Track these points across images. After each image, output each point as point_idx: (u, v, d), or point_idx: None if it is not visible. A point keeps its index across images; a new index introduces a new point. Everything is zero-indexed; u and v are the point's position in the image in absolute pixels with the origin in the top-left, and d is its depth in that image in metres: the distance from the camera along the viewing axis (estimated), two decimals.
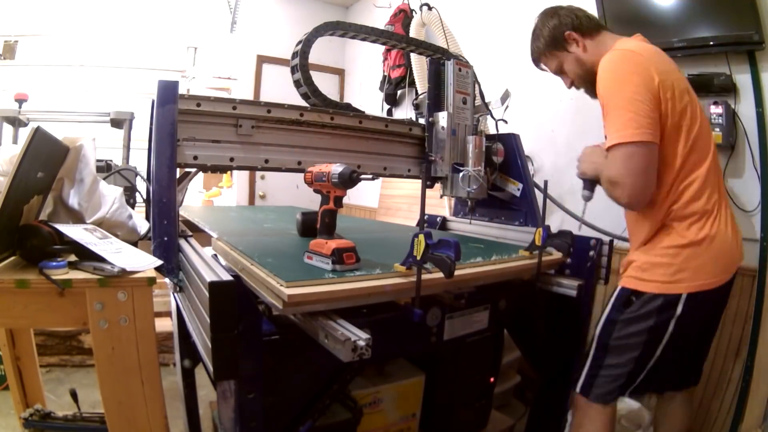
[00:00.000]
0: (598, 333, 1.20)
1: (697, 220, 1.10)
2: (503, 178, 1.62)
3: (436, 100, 1.53)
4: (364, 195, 4.06)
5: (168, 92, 1.09)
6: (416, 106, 1.84)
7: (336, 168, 0.90)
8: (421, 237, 0.86)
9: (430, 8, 2.83)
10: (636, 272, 1.16)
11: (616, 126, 1.07)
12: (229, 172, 3.66)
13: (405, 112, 3.45)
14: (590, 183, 1.24)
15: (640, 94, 1.05)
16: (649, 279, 1.12)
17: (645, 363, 1.14)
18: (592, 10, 2.05)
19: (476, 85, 1.59)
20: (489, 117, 1.77)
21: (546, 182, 1.32)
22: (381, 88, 3.51)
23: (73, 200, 1.08)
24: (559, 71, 1.34)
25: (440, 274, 0.87)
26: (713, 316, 1.22)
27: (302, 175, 1.04)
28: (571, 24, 1.26)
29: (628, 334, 1.13)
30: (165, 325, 1.95)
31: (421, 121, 1.57)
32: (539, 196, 1.44)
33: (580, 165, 1.31)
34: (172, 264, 1.01)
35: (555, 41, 1.28)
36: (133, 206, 1.88)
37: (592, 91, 1.26)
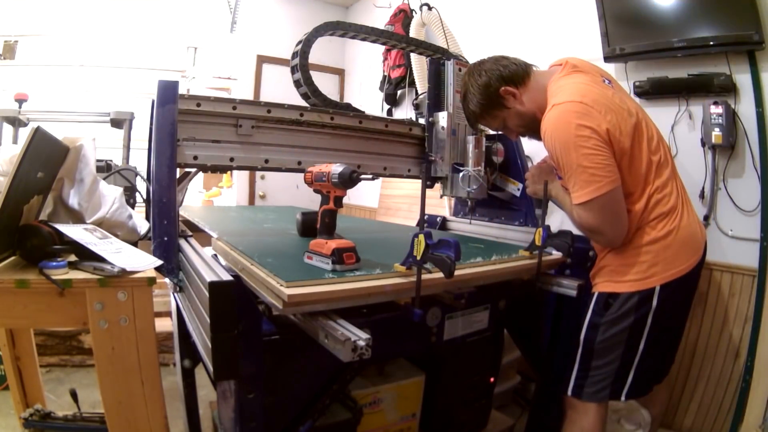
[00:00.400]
0: (583, 338, 1.21)
1: (663, 217, 1.14)
2: (503, 178, 1.62)
3: (436, 100, 1.53)
4: (364, 195, 4.06)
5: (168, 92, 1.09)
6: (416, 106, 1.84)
7: (336, 168, 0.90)
8: (421, 237, 0.86)
9: (430, 8, 2.83)
10: (610, 276, 1.19)
11: (580, 185, 1.09)
12: (229, 172, 3.66)
13: (405, 112, 3.45)
14: (541, 202, 1.26)
15: (591, 147, 1.06)
16: (624, 280, 1.16)
17: (631, 359, 1.16)
18: (592, 10, 2.06)
19: None
20: None
21: (546, 182, 1.32)
22: (381, 88, 3.51)
23: (73, 200, 1.08)
24: (502, 128, 1.31)
25: (440, 274, 0.87)
26: (686, 301, 1.26)
27: (302, 175, 1.04)
28: (502, 77, 1.23)
29: (612, 335, 1.16)
30: (165, 325, 1.95)
31: (421, 121, 1.57)
32: None
33: (529, 185, 1.37)
34: (172, 264, 1.01)
35: (491, 101, 1.24)
36: (133, 206, 1.88)
37: (537, 137, 1.23)
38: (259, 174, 4.16)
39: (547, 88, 1.20)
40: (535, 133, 1.25)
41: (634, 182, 1.13)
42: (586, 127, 1.07)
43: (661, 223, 1.14)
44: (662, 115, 1.90)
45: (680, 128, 1.86)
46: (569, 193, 1.15)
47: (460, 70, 1.52)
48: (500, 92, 1.22)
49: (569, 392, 1.22)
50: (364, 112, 1.43)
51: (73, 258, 0.93)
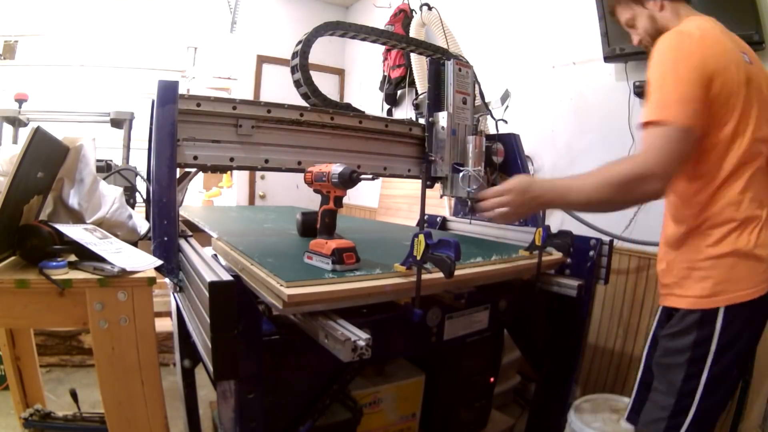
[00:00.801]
0: (645, 354, 1.17)
1: (736, 228, 1.00)
2: (503, 178, 1.61)
3: (436, 100, 1.53)
4: (364, 195, 4.06)
5: (168, 92, 1.09)
6: (416, 106, 1.84)
7: (336, 168, 0.90)
8: (421, 237, 0.86)
9: (430, 8, 2.83)
10: (672, 289, 1.08)
11: (659, 101, 0.96)
12: (229, 172, 3.66)
13: (405, 112, 3.45)
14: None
15: (689, 76, 0.95)
16: (685, 294, 1.04)
17: (692, 389, 1.01)
18: (592, 10, 2.07)
19: (476, 85, 1.59)
20: (489, 117, 1.77)
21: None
22: (381, 88, 3.51)
23: (73, 200, 1.08)
24: (630, 25, 1.24)
25: (440, 274, 0.87)
26: (757, 332, 1.07)
27: (302, 175, 1.04)
28: None
29: (670, 352, 1.04)
30: (165, 325, 1.95)
31: (421, 121, 1.57)
32: None
33: (511, 213, 1.10)
34: (172, 264, 1.01)
35: None
36: (133, 206, 1.88)
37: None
38: (259, 174, 4.16)
39: (680, 23, 1.12)
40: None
41: (713, 152, 1.00)
42: (690, 58, 0.97)
43: (735, 233, 1.00)
44: None
45: None
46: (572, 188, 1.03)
47: (460, 70, 1.52)
48: None
49: (625, 417, 1.17)
50: (364, 112, 1.43)
51: (73, 258, 0.93)
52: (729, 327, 0.99)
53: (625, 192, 0.97)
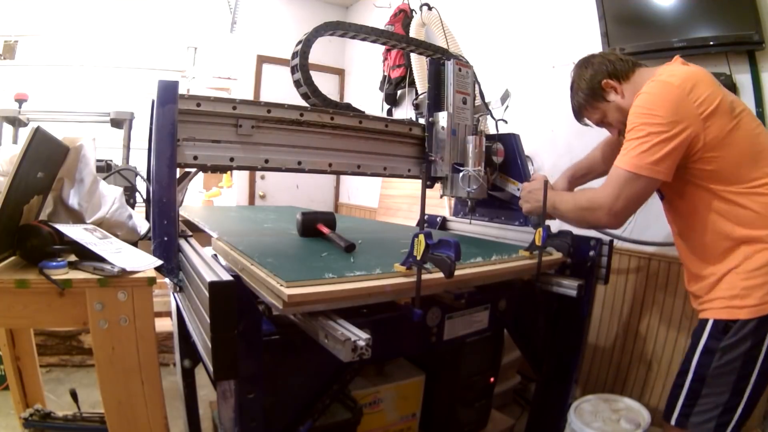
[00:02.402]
0: (696, 364, 1.14)
1: None
2: (503, 178, 1.62)
3: (436, 100, 1.53)
4: (364, 195, 4.06)
5: (168, 92, 1.09)
6: (416, 106, 1.84)
7: None
8: (421, 237, 0.86)
9: (430, 8, 2.83)
10: (733, 301, 1.10)
11: (630, 150, 1.09)
12: (229, 172, 3.66)
13: (405, 112, 3.45)
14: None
15: (664, 126, 1.05)
16: (744, 305, 1.08)
17: (742, 389, 1.08)
18: (592, 10, 2.07)
19: (476, 85, 1.59)
20: (489, 117, 1.77)
21: (546, 182, 1.32)
22: (381, 88, 3.51)
23: (73, 200, 1.08)
24: (603, 122, 1.33)
25: (440, 274, 0.87)
26: None
27: (302, 175, 1.03)
28: (606, 71, 1.25)
29: (727, 361, 1.09)
30: (165, 325, 1.95)
31: (421, 121, 1.56)
32: None
33: (524, 204, 1.42)
34: (172, 264, 1.01)
35: (593, 92, 1.28)
36: (133, 206, 1.88)
37: None
38: (259, 174, 4.16)
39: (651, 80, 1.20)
40: None
41: (733, 175, 1.09)
42: (669, 106, 1.07)
43: None
44: None
45: None
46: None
47: (460, 70, 1.52)
48: (602, 85, 1.26)
49: (673, 422, 1.16)
50: (364, 112, 1.43)
51: (73, 258, 0.93)
52: None
53: (582, 221, 1.24)
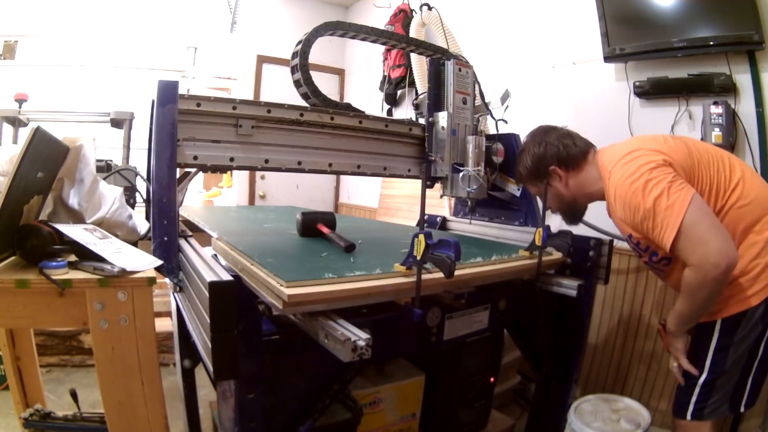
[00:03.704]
0: (710, 362, 1.14)
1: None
2: (503, 178, 1.62)
3: (436, 100, 1.53)
4: (364, 195, 4.06)
5: (168, 92, 1.09)
6: (416, 106, 1.84)
7: None
8: (421, 237, 0.86)
9: (430, 8, 2.83)
10: (738, 294, 1.12)
11: (665, 218, 1.04)
12: (229, 172, 3.66)
13: (405, 112, 3.45)
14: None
15: (662, 176, 1.05)
16: (753, 292, 1.10)
17: (750, 365, 1.12)
18: (592, 10, 2.06)
19: (476, 85, 1.59)
20: (489, 117, 1.77)
21: (546, 182, 1.32)
22: (381, 88, 3.51)
23: (73, 200, 1.08)
24: (540, 196, 1.36)
25: (440, 274, 0.87)
26: None
27: (302, 175, 1.03)
28: (556, 157, 1.27)
29: (742, 352, 1.11)
30: (165, 325, 1.95)
31: (421, 121, 1.56)
32: None
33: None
34: (172, 264, 1.01)
35: (538, 172, 1.30)
36: (133, 206, 1.88)
37: (568, 220, 1.36)
38: (259, 174, 4.16)
39: (600, 168, 1.21)
40: (569, 216, 1.34)
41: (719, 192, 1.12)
42: (652, 166, 1.07)
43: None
44: (662, 115, 1.90)
45: (680, 128, 1.86)
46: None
47: (460, 70, 1.52)
48: (549, 170, 1.28)
49: (689, 417, 1.16)
50: (364, 112, 1.43)
51: (73, 258, 0.93)
52: None
53: (709, 288, 1.05)
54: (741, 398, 1.13)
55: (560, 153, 1.26)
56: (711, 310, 1.14)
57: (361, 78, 4.30)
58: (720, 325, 1.14)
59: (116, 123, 2.81)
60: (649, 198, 1.05)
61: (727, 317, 1.13)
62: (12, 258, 0.93)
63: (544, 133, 1.32)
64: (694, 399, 1.16)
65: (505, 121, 1.80)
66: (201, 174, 1.41)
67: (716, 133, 1.67)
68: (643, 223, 1.08)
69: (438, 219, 1.87)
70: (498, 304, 1.22)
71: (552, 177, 1.28)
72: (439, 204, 2.28)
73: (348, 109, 1.41)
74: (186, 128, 1.14)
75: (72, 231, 0.95)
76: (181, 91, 1.11)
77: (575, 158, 1.26)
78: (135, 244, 1.12)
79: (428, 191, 1.02)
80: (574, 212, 1.35)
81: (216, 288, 0.72)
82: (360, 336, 0.74)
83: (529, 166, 1.31)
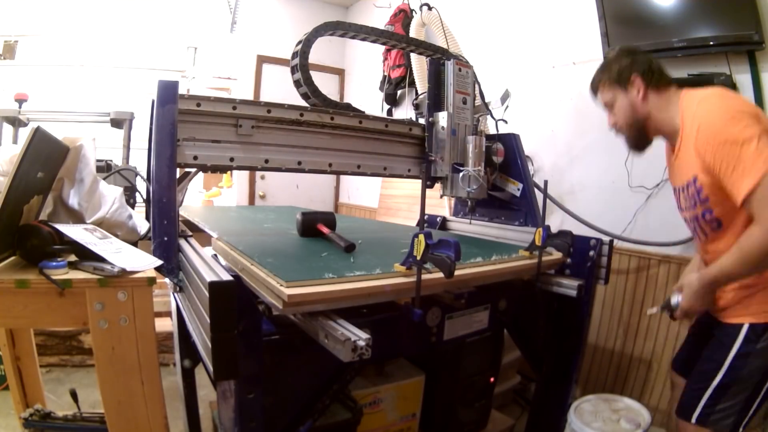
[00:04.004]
0: (728, 367, 1.13)
1: None
2: (503, 178, 1.62)
3: (436, 100, 1.53)
4: (364, 195, 4.06)
5: (168, 92, 1.09)
6: (416, 106, 1.84)
7: None
8: (421, 237, 0.86)
9: (430, 8, 2.83)
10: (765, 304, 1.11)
11: (750, 160, 0.96)
12: (229, 172, 3.66)
13: (405, 112, 3.45)
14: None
15: (757, 124, 0.99)
16: None
17: (759, 389, 1.11)
18: (592, 10, 2.07)
19: (476, 85, 1.59)
20: (489, 117, 1.77)
21: (546, 182, 1.32)
22: (381, 88, 3.51)
23: (73, 200, 1.08)
24: (609, 107, 1.29)
25: (440, 274, 0.87)
26: None
27: (302, 175, 1.04)
28: (642, 70, 1.21)
29: (760, 364, 1.10)
30: (165, 325, 1.95)
31: (421, 121, 1.57)
32: (539, 196, 1.44)
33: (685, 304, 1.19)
34: (172, 264, 1.01)
35: (619, 77, 1.24)
36: (133, 206, 1.89)
37: (632, 143, 1.27)
38: (259, 174, 4.16)
39: (681, 104, 1.15)
40: (634, 136, 1.25)
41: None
42: (746, 107, 1.02)
43: None
44: None
45: None
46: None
47: (460, 70, 1.52)
48: (631, 77, 1.21)
49: (694, 420, 1.16)
50: (364, 112, 1.43)
51: (73, 258, 0.93)
52: None
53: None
54: (743, 420, 1.12)
55: (652, 65, 1.21)
56: (734, 307, 1.14)
57: (361, 78, 4.30)
58: (746, 330, 1.12)
59: (116, 123, 2.81)
60: (741, 136, 0.98)
61: (756, 324, 1.11)
62: (12, 258, 0.93)
63: (633, 49, 1.28)
64: (703, 402, 1.15)
65: (505, 121, 1.81)
66: (201, 174, 1.42)
67: None
68: (723, 161, 1.00)
69: (438, 219, 1.87)
70: (498, 304, 1.22)
71: (632, 85, 1.21)
72: (439, 204, 2.28)
73: (348, 109, 1.41)
74: (186, 128, 1.15)
75: (72, 231, 0.95)
76: (181, 91, 1.11)
77: (661, 78, 1.21)
78: (135, 244, 1.12)
79: (428, 191, 1.02)
80: (640, 134, 1.25)
81: (216, 288, 0.72)
82: (360, 336, 0.74)
83: (614, 69, 1.24)
